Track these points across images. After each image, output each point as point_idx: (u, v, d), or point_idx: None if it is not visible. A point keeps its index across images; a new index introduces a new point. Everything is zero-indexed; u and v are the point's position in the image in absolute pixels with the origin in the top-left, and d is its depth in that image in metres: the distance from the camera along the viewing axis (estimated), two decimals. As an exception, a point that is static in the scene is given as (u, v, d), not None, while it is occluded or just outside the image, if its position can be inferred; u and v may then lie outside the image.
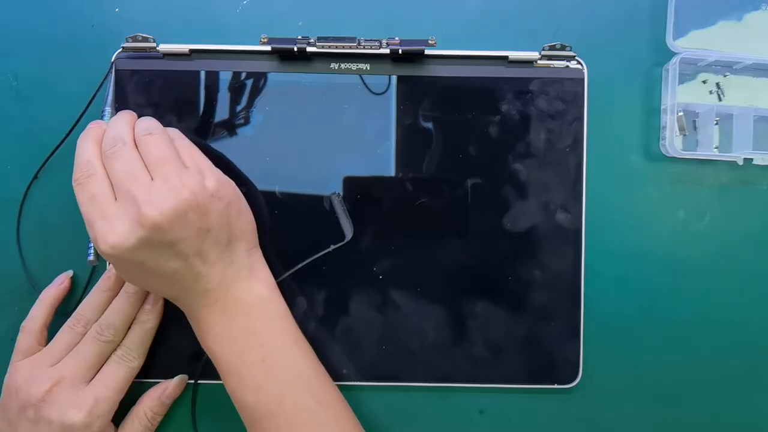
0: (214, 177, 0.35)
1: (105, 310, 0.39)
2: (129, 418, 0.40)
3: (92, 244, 0.39)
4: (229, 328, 0.36)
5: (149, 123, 0.36)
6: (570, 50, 0.41)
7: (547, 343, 0.41)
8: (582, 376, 0.41)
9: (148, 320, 0.39)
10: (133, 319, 0.39)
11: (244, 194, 0.38)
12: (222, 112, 0.41)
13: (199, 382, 0.41)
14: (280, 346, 0.36)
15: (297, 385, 0.36)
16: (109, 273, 0.40)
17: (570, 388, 0.41)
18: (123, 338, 0.39)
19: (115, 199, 0.34)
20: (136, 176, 0.33)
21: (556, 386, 0.41)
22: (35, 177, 0.42)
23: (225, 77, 0.41)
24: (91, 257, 0.39)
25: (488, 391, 0.42)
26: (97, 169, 0.34)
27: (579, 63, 0.42)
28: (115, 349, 0.38)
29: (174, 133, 0.37)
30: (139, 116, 0.39)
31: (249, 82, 0.41)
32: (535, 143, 0.41)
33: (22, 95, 0.43)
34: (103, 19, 0.43)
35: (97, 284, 0.40)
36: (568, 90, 0.42)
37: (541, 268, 0.41)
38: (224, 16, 0.43)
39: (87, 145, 0.35)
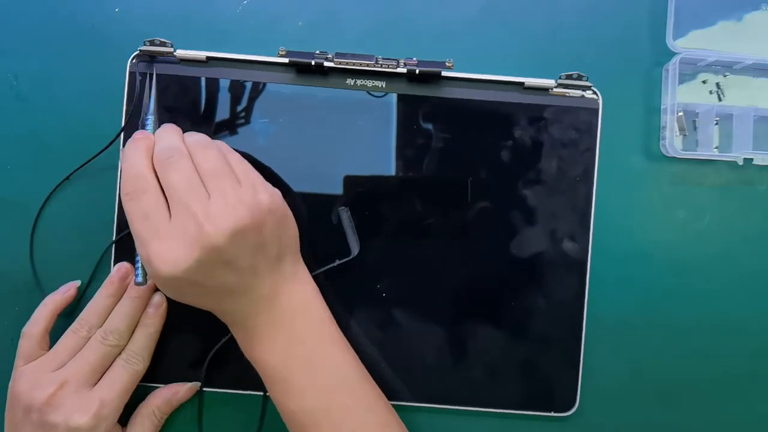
0: (267, 192, 0.35)
1: (108, 314, 0.39)
2: (138, 416, 0.40)
3: (139, 264, 0.38)
4: (274, 335, 0.36)
5: (200, 136, 0.36)
6: (587, 80, 0.41)
7: (546, 370, 0.41)
8: (579, 404, 0.41)
9: (152, 323, 0.39)
10: (137, 323, 0.39)
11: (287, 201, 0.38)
12: (233, 120, 0.41)
13: (204, 389, 0.41)
14: (324, 351, 0.36)
15: (342, 390, 0.36)
16: (112, 278, 0.39)
17: (566, 416, 0.42)
18: (127, 342, 0.39)
19: (169, 214, 0.33)
20: (194, 190, 0.33)
21: (552, 414, 0.41)
22: (67, 178, 0.42)
23: (239, 86, 0.41)
24: (140, 278, 0.38)
25: (484, 415, 0.42)
26: (150, 183, 0.34)
27: (594, 93, 0.41)
28: (120, 353, 0.38)
29: (224, 146, 0.37)
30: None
31: (264, 93, 0.41)
32: (546, 170, 0.41)
33: (22, 95, 0.42)
34: (103, 20, 0.43)
35: (100, 290, 0.39)
36: (582, 119, 0.41)
37: (544, 295, 0.41)
38: (224, 16, 0.43)
39: (138, 157, 0.34)
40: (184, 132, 0.37)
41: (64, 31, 0.43)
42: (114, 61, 0.41)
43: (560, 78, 0.41)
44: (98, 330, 0.38)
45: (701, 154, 0.43)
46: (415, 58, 0.40)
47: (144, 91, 0.40)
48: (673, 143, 0.42)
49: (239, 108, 0.41)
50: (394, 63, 0.40)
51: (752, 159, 0.42)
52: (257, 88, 0.41)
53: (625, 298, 0.43)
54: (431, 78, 0.41)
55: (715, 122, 0.43)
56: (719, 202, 0.43)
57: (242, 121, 0.41)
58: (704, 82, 0.44)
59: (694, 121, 0.44)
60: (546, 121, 0.41)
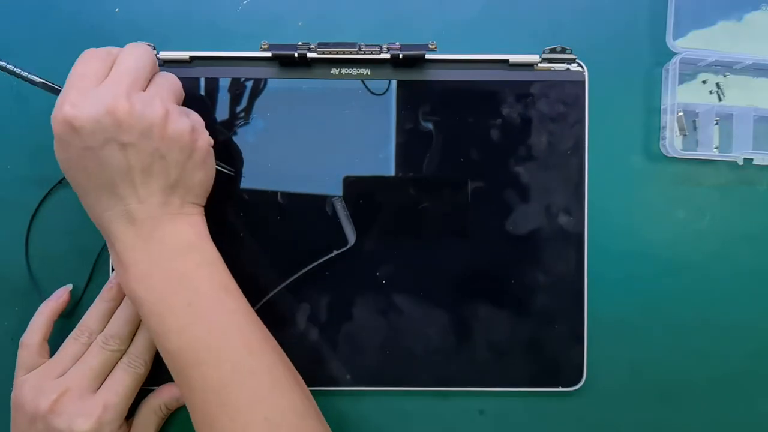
0: (198, 121, 0.36)
1: (109, 319, 0.39)
2: (144, 409, 0.40)
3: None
4: (152, 268, 0.34)
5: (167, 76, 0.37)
6: (570, 53, 0.41)
7: (551, 345, 0.41)
8: (586, 378, 0.41)
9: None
10: (138, 327, 0.39)
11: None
12: (223, 119, 0.41)
13: None
14: (207, 291, 0.35)
15: (225, 332, 0.34)
16: (111, 283, 0.40)
17: (574, 390, 0.42)
18: (129, 346, 0.39)
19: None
20: (137, 76, 0.34)
21: (560, 389, 0.41)
22: (60, 182, 0.42)
23: (225, 83, 0.41)
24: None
25: (491, 394, 0.42)
26: (110, 57, 0.35)
27: (579, 65, 0.42)
28: (122, 357, 0.38)
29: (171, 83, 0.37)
30: None
31: (250, 89, 0.41)
32: (537, 146, 0.41)
33: (22, 95, 0.42)
34: (103, 20, 0.43)
35: (100, 294, 0.40)
36: (569, 93, 0.42)
37: (543, 271, 0.41)
38: (224, 16, 0.43)
39: (123, 47, 0.36)
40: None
41: (65, 31, 0.43)
42: (113, 61, 0.41)
43: (544, 52, 0.41)
44: (99, 335, 0.38)
45: (701, 154, 0.43)
46: (397, 43, 0.40)
47: None
48: (673, 143, 0.42)
49: (226, 106, 0.41)
50: (377, 49, 0.40)
51: (752, 159, 0.42)
52: (243, 85, 0.41)
53: (625, 298, 0.43)
54: (415, 61, 0.41)
55: (715, 122, 0.43)
56: (719, 202, 0.43)
57: (229, 118, 0.41)
58: (704, 82, 0.44)
59: (694, 121, 0.44)
60: (533, 96, 0.41)
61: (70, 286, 0.41)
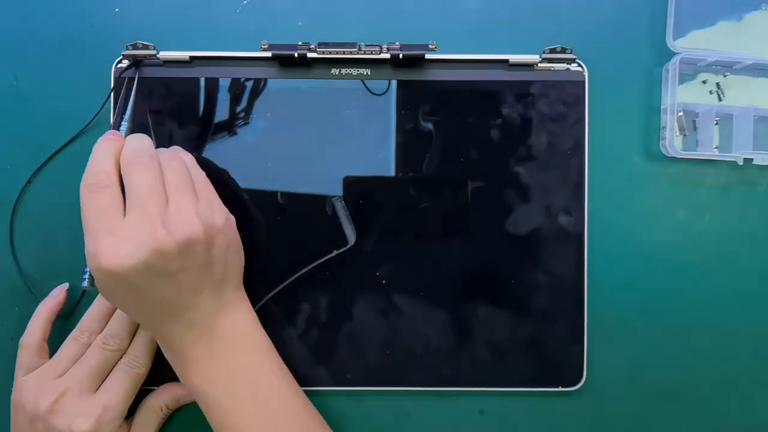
0: (223, 213, 0.36)
1: (108, 319, 0.39)
2: (145, 409, 0.40)
3: (88, 269, 0.36)
4: (214, 364, 0.36)
5: (170, 149, 0.37)
6: (570, 53, 0.41)
7: (551, 345, 0.41)
8: (585, 378, 0.41)
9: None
10: (138, 327, 0.39)
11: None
12: (223, 119, 0.41)
13: None
14: (266, 381, 0.36)
15: (286, 421, 0.36)
16: None
17: (574, 390, 0.42)
18: (128, 346, 0.39)
19: (124, 216, 0.33)
20: (155, 194, 0.33)
21: (560, 389, 0.41)
22: (28, 182, 0.42)
23: (226, 84, 0.41)
24: (86, 283, 0.36)
25: (491, 394, 0.42)
26: (113, 181, 0.33)
27: (579, 65, 0.42)
28: (121, 357, 0.38)
29: (189, 160, 0.37)
30: (140, 123, 0.39)
31: (250, 89, 0.41)
32: (537, 146, 0.41)
33: (22, 95, 0.42)
34: (103, 20, 0.43)
35: (98, 295, 0.40)
36: (569, 93, 0.42)
37: (543, 271, 0.41)
38: (224, 16, 0.43)
39: (106, 155, 0.34)
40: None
41: (64, 31, 0.43)
42: (113, 61, 0.41)
43: (544, 52, 0.41)
44: (99, 335, 0.38)
45: (701, 154, 0.43)
46: (397, 43, 0.40)
47: (128, 94, 0.40)
48: (673, 143, 0.42)
49: (226, 106, 0.41)
50: (377, 49, 0.40)
51: (752, 159, 0.42)
52: (243, 85, 0.41)
53: (625, 297, 0.43)
54: (415, 61, 0.41)
55: (715, 122, 0.43)
56: (719, 202, 0.43)
57: (229, 118, 0.41)
58: (704, 82, 0.44)
59: (694, 121, 0.44)
60: (533, 96, 0.41)
61: (66, 285, 0.41)
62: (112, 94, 0.41)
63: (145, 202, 0.32)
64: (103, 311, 0.39)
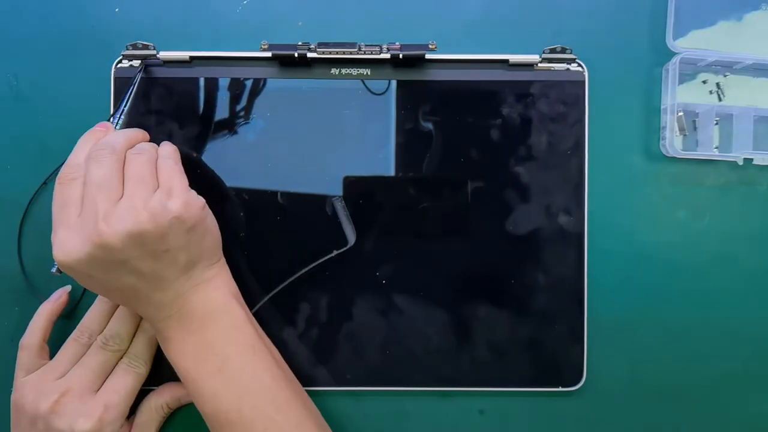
0: (180, 199, 0.34)
1: (109, 320, 0.39)
2: (146, 406, 0.40)
3: None
4: (185, 339, 0.36)
5: (145, 144, 0.37)
6: (570, 53, 0.41)
7: (551, 345, 0.41)
8: (586, 378, 0.41)
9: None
10: (138, 327, 0.39)
11: (220, 201, 0.38)
12: (222, 119, 0.41)
13: None
14: (236, 355, 0.36)
15: (254, 394, 0.36)
16: None
17: (574, 390, 0.42)
18: (129, 346, 0.39)
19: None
20: (106, 188, 0.33)
21: (560, 389, 0.41)
22: (44, 183, 0.42)
23: (225, 84, 0.41)
24: (54, 269, 0.36)
25: (491, 394, 0.42)
26: (81, 174, 0.34)
27: (579, 65, 0.42)
28: (122, 357, 0.38)
29: (166, 150, 0.37)
30: (140, 123, 0.39)
31: (249, 89, 0.41)
32: (537, 146, 0.41)
33: (22, 96, 0.43)
34: (103, 20, 0.43)
35: (99, 296, 0.40)
36: (569, 92, 0.42)
37: (543, 271, 0.41)
38: (224, 16, 0.43)
39: (84, 147, 0.35)
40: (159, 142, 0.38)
41: (64, 32, 0.43)
42: (114, 61, 0.41)
43: (544, 52, 0.41)
44: (99, 336, 0.38)
45: (701, 154, 0.43)
46: (397, 43, 0.40)
47: (129, 89, 0.40)
48: (673, 143, 0.42)
49: (226, 106, 0.41)
50: (377, 49, 0.40)
51: (752, 159, 0.42)
52: (243, 85, 0.41)
53: (625, 297, 0.43)
54: (415, 61, 0.41)
55: (715, 122, 0.43)
56: (719, 202, 0.43)
57: (229, 118, 0.41)
58: (704, 82, 0.44)
59: (694, 121, 0.44)
60: (533, 96, 0.41)
61: (68, 288, 0.41)
62: (112, 94, 0.41)
63: (95, 197, 0.33)
64: (103, 312, 0.39)
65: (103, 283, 0.34)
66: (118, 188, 0.34)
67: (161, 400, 0.40)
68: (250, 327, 0.37)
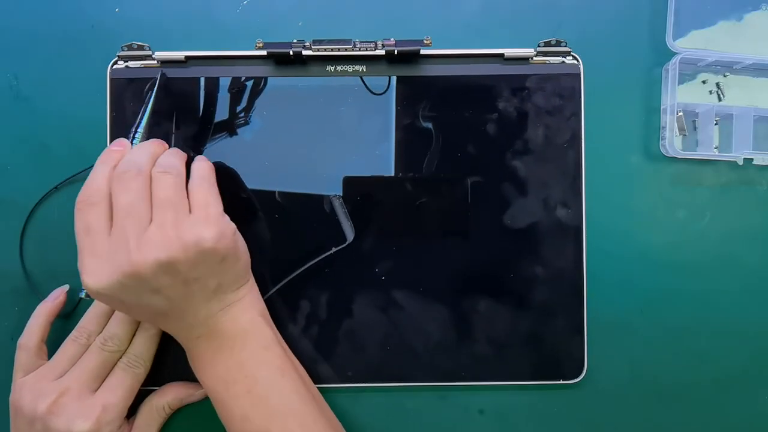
0: (215, 229, 0.34)
1: (107, 320, 0.39)
2: (147, 407, 0.40)
3: None
4: (215, 360, 0.36)
5: (171, 160, 0.35)
6: (565, 46, 0.41)
7: (551, 339, 0.41)
8: (586, 371, 0.41)
9: (152, 326, 0.39)
10: (137, 327, 0.39)
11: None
12: (220, 118, 0.41)
13: None
14: (265, 376, 0.36)
15: (283, 415, 0.36)
16: None
17: (574, 383, 0.42)
18: (127, 347, 0.38)
19: (109, 232, 0.33)
20: (135, 214, 0.33)
21: (560, 382, 0.41)
22: (55, 188, 0.42)
23: (222, 83, 0.41)
24: (84, 294, 0.37)
25: (493, 389, 0.42)
26: (102, 198, 0.33)
27: (575, 58, 0.42)
28: (121, 358, 0.38)
29: (201, 170, 0.36)
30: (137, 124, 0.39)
31: (246, 87, 0.41)
32: (534, 140, 0.41)
33: (22, 95, 0.43)
34: (103, 19, 0.43)
35: None
36: (565, 85, 0.42)
37: (542, 264, 0.41)
38: (224, 16, 0.43)
39: (103, 169, 0.34)
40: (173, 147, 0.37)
41: (64, 31, 0.43)
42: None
43: (539, 46, 0.41)
44: (98, 336, 0.38)
45: (701, 154, 0.43)
46: (392, 39, 0.40)
47: (146, 100, 0.40)
48: (672, 143, 0.42)
49: (223, 105, 0.41)
50: (372, 45, 0.40)
51: (752, 159, 0.42)
52: (240, 84, 0.41)
53: (624, 294, 0.43)
54: (411, 57, 0.41)
55: (715, 122, 0.43)
56: (719, 202, 0.43)
57: (226, 117, 0.41)
58: (704, 82, 0.44)
59: (694, 121, 0.44)
60: (529, 90, 0.41)
61: (66, 287, 0.41)
62: (108, 96, 0.41)
63: (123, 224, 0.32)
64: (102, 312, 0.39)
65: (133, 306, 0.34)
66: (147, 213, 0.33)
67: (163, 400, 0.40)
68: (278, 347, 0.38)
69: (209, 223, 0.34)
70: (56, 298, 0.40)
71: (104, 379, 0.38)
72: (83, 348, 0.38)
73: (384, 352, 0.41)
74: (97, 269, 0.32)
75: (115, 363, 0.38)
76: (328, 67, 0.41)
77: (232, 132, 0.41)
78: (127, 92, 0.41)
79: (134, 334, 0.39)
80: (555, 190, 0.41)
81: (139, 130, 0.38)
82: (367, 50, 0.40)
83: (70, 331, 0.39)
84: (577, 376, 0.41)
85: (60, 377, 0.37)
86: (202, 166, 0.37)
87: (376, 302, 0.41)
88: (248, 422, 0.35)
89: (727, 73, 0.44)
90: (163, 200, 0.33)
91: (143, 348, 0.39)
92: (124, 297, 0.33)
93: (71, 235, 0.40)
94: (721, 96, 0.44)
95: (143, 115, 0.39)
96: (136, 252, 0.32)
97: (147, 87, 0.40)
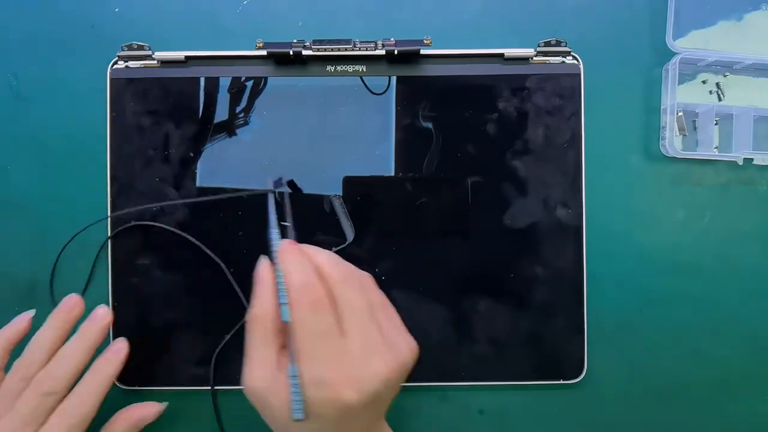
0: (401, 358, 0.32)
1: (50, 356, 0.35)
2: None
3: (299, 396, 0.30)
4: None
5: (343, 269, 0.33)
6: (565, 46, 0.41)
7: (551, 339, 0.41)
8: (586, 371, 0.41)
9: (105, 371, 0.35)
10: (84, 368, 0.35)
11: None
12: (220, 118, 0.41)
13: (216, 388, 0.41)
14: None
15: None
16: (60, 309, 0.36)
17: (575, 383, 0.42)
18: (70, 389, 0.35)
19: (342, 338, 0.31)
20: (373, 316, 0.32)
21: (561, 382, 0.41)
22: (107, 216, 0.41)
23: (222, 83, 0.41)
24: (300, 414, 0.30)
25: (493, 389, 0.42)
26: (326, 297, 0.31)
27: (575, 58, 0.42)
28: (61, 401, 0.35)
29: (376, 296, 0.34)
30: (137, 124, 0.39)
31: (246, 87, 0.41)
32: (534, 139, 0.41)
33: (22, 95, 0.43)
34: (103, 19, 0.43)
35: (47, 319, 0.36)
36: (565, 85, 0.42)
37: (542, 264, 0.41)
38: (224, 16, 0.43)
39: (305, 264, 0.32)
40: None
41: (64, 31, 0.43)
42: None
43: (539, 45, 0.41)
44: (35, 377, 0.35)
45: (701, 154, 0.43)
46: (392, 39, 0.40)
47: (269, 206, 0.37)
48: (672, 143, 0.42)
49: (223, 105, 0.41)
50: (372, 45, 0.40)
51: (752, 159, 0.42)
52: (239, 84, 0.41)
53: (624, 295, 0.43)
54: (411, 57, 0.41)
55: (715, 122, 0.43)
56: (719, 202, 0.43)
57: (227, 117, 0.41)
58: (704, 82, 0.44)
59: (694, 121, 0.44)
60: (529, 90, 0.41)
61: (32, 312, 0.37)
62: (108, 96, 0.41)
63: (366, 326, 0.31)
64: (44, 346, 0.35)
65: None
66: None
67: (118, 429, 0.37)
68: None
69: (406, 351, 0.33)
70: (17, 325, 0.37)
71: (38, 428, 0.34)
72: (22, 383, 0.34)
73: None
74: (354, 379, 0.30)
75: (53, 408, 0.34)
76: (328, 67, 0.41)
77: (231, 132, 0.41)
78: (127, 92, 0.41)
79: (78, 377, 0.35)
80: (555, 190, 0.41)
81: (273, 230, 0.35)
82: (367, 50, 0.40)
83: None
84: (577, 376, 0.41)
85: None
86: (377, 295, 0.34)
87: None
88: None
89: (727, 73, 0.44)
90: (378, 304, 0.33)
91: (86, 395, 0.34)
92: (375, 400, 0.31)
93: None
94: (721, 96, 0.44)
95: (272, 215, 0.36)
96: (389, 354, 0.32)
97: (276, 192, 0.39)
